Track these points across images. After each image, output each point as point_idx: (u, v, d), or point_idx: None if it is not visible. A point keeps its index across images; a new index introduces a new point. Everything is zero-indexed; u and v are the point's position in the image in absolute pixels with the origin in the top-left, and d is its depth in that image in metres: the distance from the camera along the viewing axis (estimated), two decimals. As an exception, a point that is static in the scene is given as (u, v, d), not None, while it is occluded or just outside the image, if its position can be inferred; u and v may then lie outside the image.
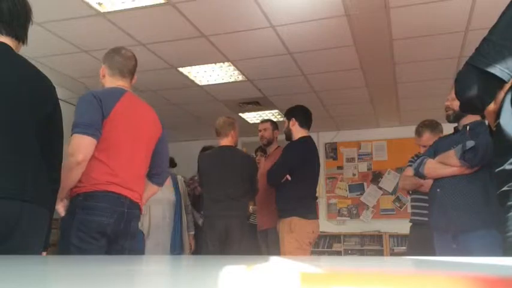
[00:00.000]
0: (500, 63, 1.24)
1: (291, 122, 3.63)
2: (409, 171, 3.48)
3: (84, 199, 2.07)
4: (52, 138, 1.69)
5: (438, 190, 2.67)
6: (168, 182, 4.26)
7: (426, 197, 3.32)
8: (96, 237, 2.09)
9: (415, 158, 3.53)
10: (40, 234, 1.62)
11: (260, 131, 4.21)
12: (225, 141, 3.86)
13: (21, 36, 1.70)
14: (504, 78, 1.25)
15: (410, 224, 3.59)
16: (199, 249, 4.40)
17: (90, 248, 2.06)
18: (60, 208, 2.09)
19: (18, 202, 1.50)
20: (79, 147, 2.02)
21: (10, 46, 1.66)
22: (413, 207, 3.53)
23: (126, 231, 2.20)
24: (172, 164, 4.33)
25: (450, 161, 2.54)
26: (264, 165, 4.13)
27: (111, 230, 2.12)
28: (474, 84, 1.29)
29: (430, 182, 3.15)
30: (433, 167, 2.68)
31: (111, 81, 2.33)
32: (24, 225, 1.52)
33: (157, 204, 4.05)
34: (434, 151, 2.79)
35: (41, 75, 1.73)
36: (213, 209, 3.74)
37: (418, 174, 2.82)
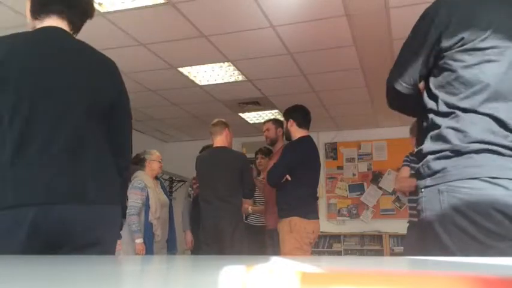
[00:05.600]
0: (402, 78, 1.40)
1: (289, 123, 3.63)
2: (405, 172, 3.44)
3: None
4: (118, 125, 1.61)
5: None
6: (158, 184, 4.33)
7: None
8: None
9: (410, 158, 3.50)
10: (110, 232, 1.53)
11: (264, 131, 4.22)
12: (219, 142, 3.93)
13: (76, 23, 1.61)
14: (403, 91, 1.41)
15: (408, 224, 3.55)
16: (198, 249, 4.45)
17: None
18: None
19: (75, 205, 1.40)
20: None
21: (65, 30, 1.56)
22: (411, 208, 3.48)
23: None
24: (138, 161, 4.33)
25: None
26: (267, 165, 4.16)
27: None
28: (392, 96, 1.47)
29: None
30: None
31: None
32: (84, 227, 1.41)
33: (164, 207, 4.16)
34: None
35: (101, 59, 1.63)
36: (205, 209, 3.85)
37: None
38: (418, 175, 1.37)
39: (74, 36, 1.63)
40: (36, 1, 1.56)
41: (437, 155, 1.29)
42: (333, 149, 7.61)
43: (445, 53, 1.32)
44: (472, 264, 0.87)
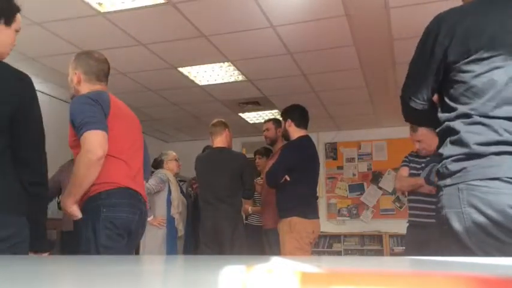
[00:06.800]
0: (415, 95, 1.48)
1: (287, 123, 3.62)
2: (404, 172, 3.43)
3: (107, 197, 2.03)
4: (22, 139, 1.60)
5: None
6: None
7: (424, 198, 3.25)
8: (123, 235, 2.08)
9: (409, 158, 3.49)
10: (11, 244, 1.53)
11: (264, 131, 4.22)
12: (219, 142, 3.93)
13: None
14: (418, 107, 1.49)
15: (407, 224, 3.53)
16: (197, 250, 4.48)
17: (118, 246, 2.04)
18: (76, 211, 2.03)
19: None
20: (97, 143, 1.95)
21: None
22: (411, 208, 3.46)
23: (143, 227, 2.24)
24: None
25: None
26: (265, 165, 4.16)
27: (134, 226, 2.13)
28: (407, 112, 1.56)
29: None
30: None
31: (88, 87, 2.25)
32: None
33: (183, 206, 4.22)
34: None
35: (3, 74, 1.61)
36: (204, 210, 3.86)
37: (429, 182, 2.81)
38: (438, 176, 1.43)
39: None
40: None
41: (457, 157, 1.35)
42: (333, 149, 7.60)
43: (453, 66, 1.37)
44: (472, 264, 0.87)
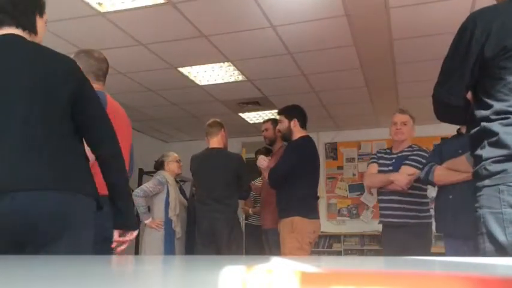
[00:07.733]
0: (449, 91, 1.47)
1: (292, 123, 3.61)
2: (374, 169, 3.39)
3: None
4: (87, 120, 1.62)
5: (450, 197, 2.64)
6: (177, 186, 4.43)
7: (396, 197, 3.14)
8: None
9: (378, 155, 3.43)
10: (82, 225, 1.54)
11: (263, 131, 4.22)
12: (214, 143, 3.91)
13: (26, 26, 1.62)
14: (453, 103, 1.48)
15: (382, 225, 3.38)
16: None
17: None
18: None
19: (34, 192, 1.41)
20: (87, 150, 1.98)
21: (15, 35, 1.59)
22: (383, 208, 3.28)
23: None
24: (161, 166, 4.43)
25: (462, 167, 2.48)
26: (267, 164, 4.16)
27: (109, 233, 2.13)
28: (441, 109, 1.55)
29: (402, 178, 3.08)
30: (444, 174, 2.66)
31: None
32: (47, 214, 1.42)
33: (182, 207, 4.22)
34: (439, 156, 2.77)
35: (54, 60, 1.63)
36: (200, 210, 3.84)
37: (427, 181, 2.79)
38: (475, 176, 1.43)
39: (34, 36, 1.65)
40: None
41: (496, 158, 1.35)
42: (333, 149, 7.60)
43: (489, 63, 1.38)
44: (472, 264, 0.87)
